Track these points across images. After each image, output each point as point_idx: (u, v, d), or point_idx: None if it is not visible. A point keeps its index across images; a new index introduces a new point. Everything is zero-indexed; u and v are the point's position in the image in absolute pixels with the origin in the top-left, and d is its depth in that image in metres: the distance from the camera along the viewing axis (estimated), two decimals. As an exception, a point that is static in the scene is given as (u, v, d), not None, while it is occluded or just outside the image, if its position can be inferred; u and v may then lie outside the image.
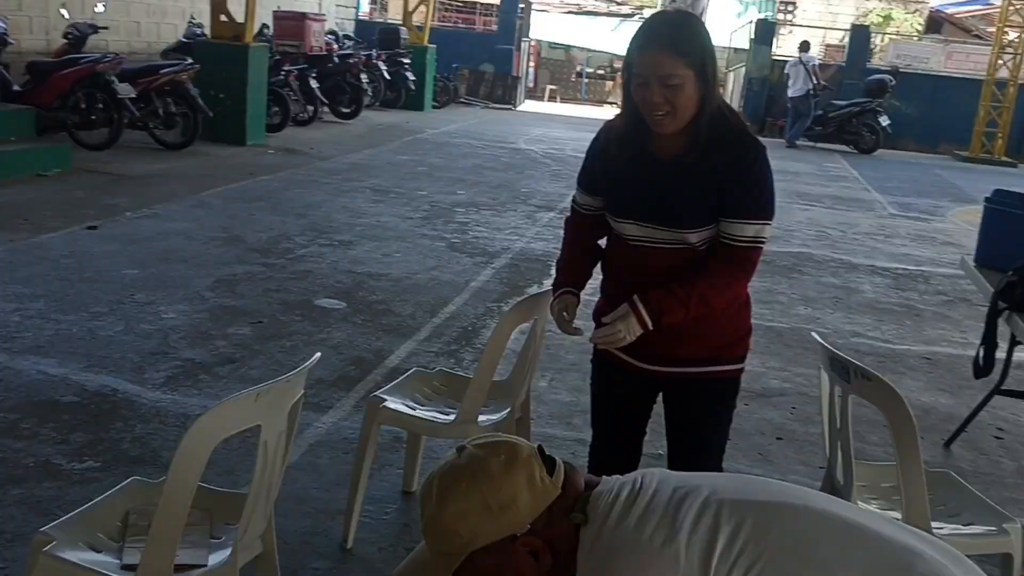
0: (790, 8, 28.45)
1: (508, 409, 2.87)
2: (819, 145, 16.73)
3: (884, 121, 16.41)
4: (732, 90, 20.48)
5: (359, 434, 2.92)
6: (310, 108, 12.89)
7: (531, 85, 23.79)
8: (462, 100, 19.61)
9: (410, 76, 16.58)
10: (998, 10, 28.78)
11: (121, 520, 2.12)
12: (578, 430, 3.89)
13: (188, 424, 3.61)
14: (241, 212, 7.57)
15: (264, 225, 7.17)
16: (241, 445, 3.40)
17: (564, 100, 25.64)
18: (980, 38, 25.36)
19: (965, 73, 18.76)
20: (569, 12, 26.42)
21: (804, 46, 16.88)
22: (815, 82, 16.10)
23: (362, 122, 14.10)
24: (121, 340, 4.53)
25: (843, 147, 16.70)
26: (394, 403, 2.88)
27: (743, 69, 19.55)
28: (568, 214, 2.56)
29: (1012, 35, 17.30)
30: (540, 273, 6.54)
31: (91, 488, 3.13)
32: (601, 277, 2.50)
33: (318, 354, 2.07)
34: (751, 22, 20.03)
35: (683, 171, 2.20)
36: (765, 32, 19.17)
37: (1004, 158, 17.24)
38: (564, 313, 2.39)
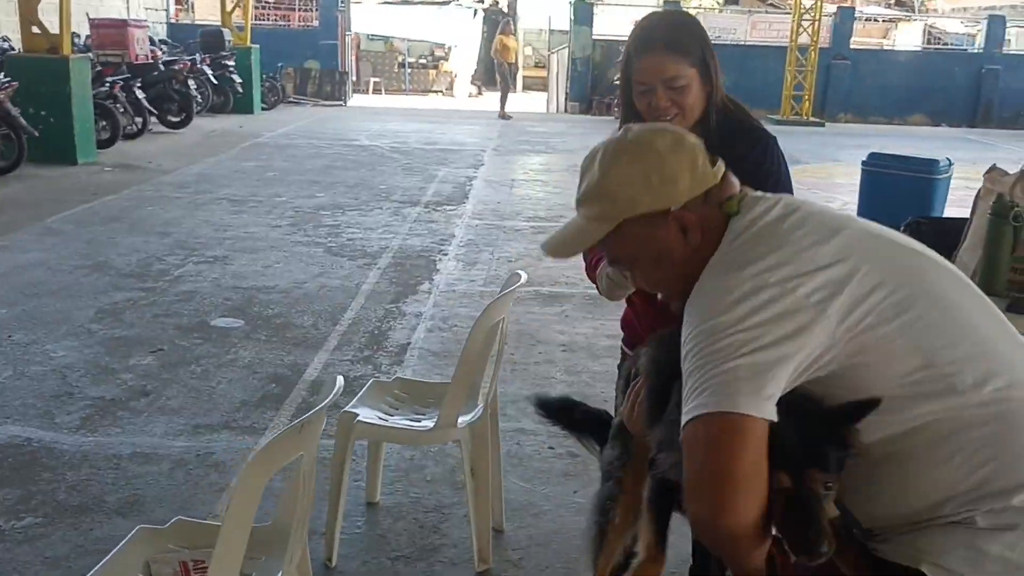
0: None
1: (481, 407, 2.93)
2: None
3: (704, 92, 17.27)
4: (556, 72, 20.98)
5: (334, 451, 2.89)
6: (139, 120, 12.25)
7: (354, 79, 23.47)
8: (291, 100, 19.14)
9: (236, 79, 16.02)
10: (786, -20, 30.78)
11: (144, 572, 2.04)
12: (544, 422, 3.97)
13: (123, 464, 3.55)
14: (98, 236, 7.15)
15: (128, 248, 6.82)
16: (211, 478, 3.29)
17: (389, 92, 25.44)
18: (775, 6, 27.06)
19: (770, 41, 20.00)
20: (385, 2, 26.19)
21: (631, 25, 17.54)
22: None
23: (194, 130, 13.54)
24: (15, 386, 4.23)
25: (669, 119, 17.45)
26: (366, 416, 2.88)
27: (566, 51, 20.07)
28: None
29: (808, 2, 18.56)
30: (427, 270, 6.57)
31: (40, 545, 2.96)
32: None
33: (340, 380, 2.04)
34: (570, 3, 20.54)
35: None
36: (584, 13, 19.72)
37: (812, 118, 18.56)
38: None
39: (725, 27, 19.99)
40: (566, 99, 19.80)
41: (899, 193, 4.01)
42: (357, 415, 2.86)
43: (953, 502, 1.31)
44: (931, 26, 28.90)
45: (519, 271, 3.02)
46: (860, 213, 4.24)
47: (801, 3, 18.41)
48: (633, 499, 1.70)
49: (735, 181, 1.53)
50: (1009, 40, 20.93)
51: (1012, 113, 19.85)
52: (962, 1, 35.55)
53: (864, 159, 4.19)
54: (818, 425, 1.30)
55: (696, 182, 1.47)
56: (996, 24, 20.17)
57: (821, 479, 1.29)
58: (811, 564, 1.30)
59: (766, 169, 2.16)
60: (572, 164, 11.86)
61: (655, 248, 1.49)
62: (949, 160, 4.01)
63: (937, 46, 23.24)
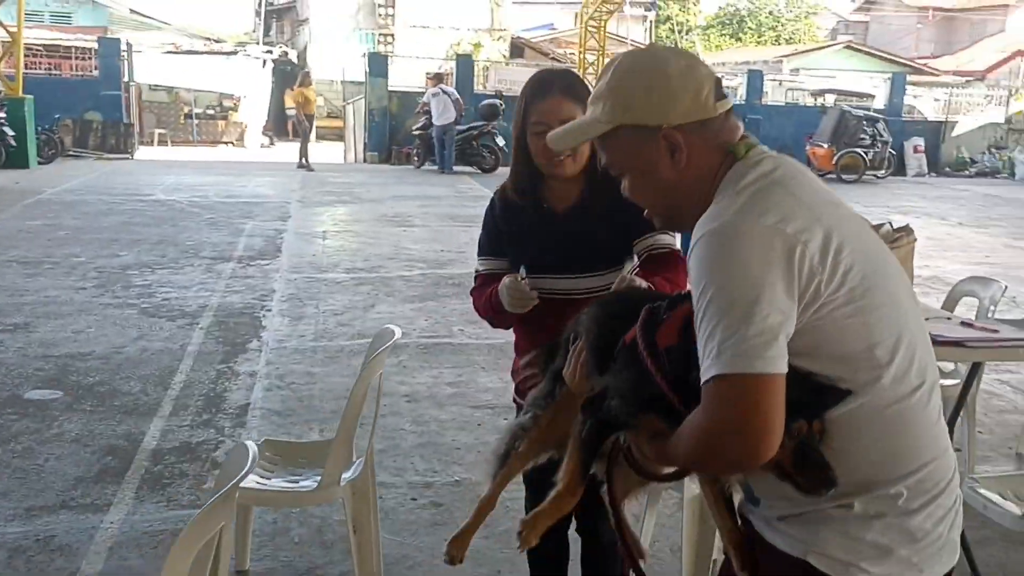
0: (389, 40, 29.71)
1: (360, 463, 2.93)
2: (443, 169, 17.76)
3: (500, 141, 17.84)
4: (353, 122, 21.00)
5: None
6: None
7: (138, 131, 22.42)
8: (71, 153, 17.99)
9: (9, 132, 14.95)
10: (563, 34, 32.47)
11: None
12: (412, 474, 3.98)
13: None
14: None
15: (-90, 320, 6.21)
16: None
17: (175, 144, 24.49)
18: (556, 60, 28.43)
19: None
20: (169, 52, 25.25)
21: (439, 78, 17.90)
22: (458, 110, 17.15)
23: (-35, 188, 12.49)
24: None
25: (467, 168, 17.89)
26: (245, 483, 2.80)
27: (362, 101, 20.14)
28: (473, 288, 2.55)
29: (592, 57, 19.70)
30: (252, 327, 6.40)
31: None
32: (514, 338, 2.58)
33: (253, 447, 2.00)
34: (364, 56, 20.67)
35: (587, 216, 2.33)
36: (378, 65, 19.90)
37: (601, 165, 19.58)
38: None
39: (515, 79, 20.78)
40: (364, 149, 19.84)
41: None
42: (234, 481, 2.78)
43: (848, 489, 1.45)
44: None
45: (391, 326, 3.06)
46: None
47: (585, 58, 19.49)
48: (542, 436, 1.83)
49: (739, 128, 1.59)
50: (766, 92, 23.06)
51: (774, 158, 21.75)
52: (720, 56, 38.82)
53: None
54: (807, 381, 1.42)
55: (695, 109, 1.53)
56: (755, 77, 22.17)
57: (819, 427, 1.42)
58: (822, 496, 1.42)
59: None
60: (381, 214, 11.97)
61: (642, 160, 1.57)
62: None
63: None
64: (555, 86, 2.28)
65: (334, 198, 13.67)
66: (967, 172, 22.33)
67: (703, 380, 1.38)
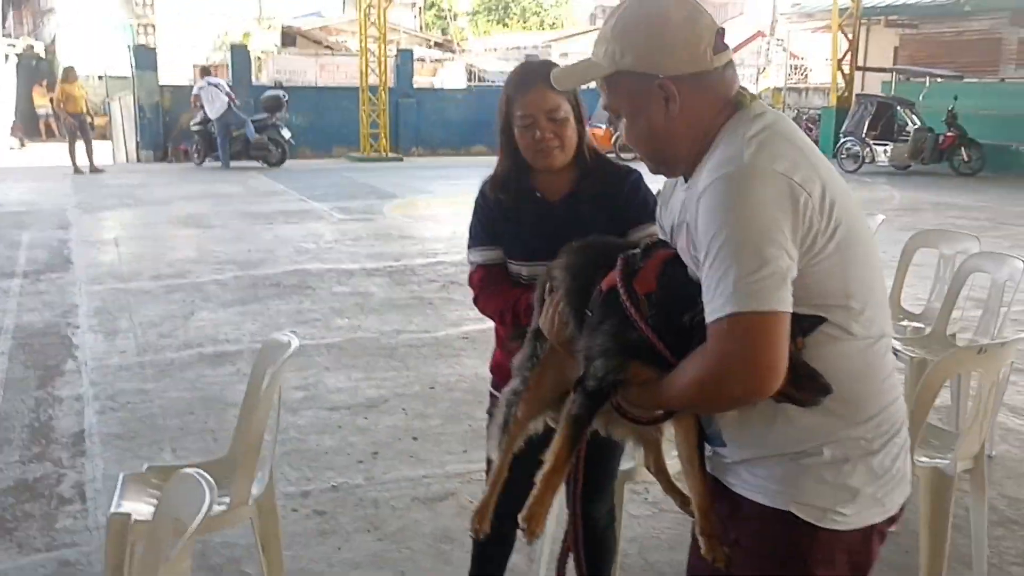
0: (150, 31, 27.96)
1: (266, 480, 2.79)
2: (232, 164, 17.02)
3: (286, 134, 17.33)
4: (121, 120, 19.64)
5: (106, 561, 2.57)
6: None
7: None
8: None
9: None
10: (335, 22, 31.88)
11: None
12: (286, 484, 3.78)
13: None
14: None
15: None
16: None
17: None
18: (331, 48, 27.91)
19: (341, 82, 20.61)
20: None
21: (206, 71, 17.04)
22: (232, 101, 16.39)
23: None
24: None
25: (254, 163, 17.22)
26: (141, 513, 2.60)
27: (129, 97, 18.87)
28: (477, 281, 2.48)
29: (372, 45, 19.47)
30: (63, 347, 5.88)
31: None
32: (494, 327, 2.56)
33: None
34: (129, 48, 19.34)
35: (583, 203, 2.34)
36: (146, 58, 18.71)
37: (391, 154, 19.47)
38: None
39: (296, 70, 20.25)
40: (137, 148, 18.63)
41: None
42: (130, 515, 2.58)
43: (817, 436, 1.57)
44: (471, 64, 31.81)
45: (280, 333, 2.93)
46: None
47: (367, 46, 19.23)
48: (535, 395, 1.86)
49: (737, 81, 1.65)
50: (544, 76, 23.77)
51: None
52: (491, 42, 39.60)
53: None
54: None
55: (691, 61, 1.57)
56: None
57: (800, 344, 1.51)
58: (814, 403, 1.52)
59: (642, 200, 2.38)
60: (174, 216, 11.32)
61: (637, 106, 1.61)
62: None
63: (479, 83, 25.65)
64: (538, 77, 2.26)
65: (116, 201, 12.75)
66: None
67: (712, 318, 1.45)
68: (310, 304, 7.05)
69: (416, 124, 21.08)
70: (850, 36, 20.23)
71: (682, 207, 1.67)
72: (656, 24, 1.58)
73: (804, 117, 24.09)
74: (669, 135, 1.62)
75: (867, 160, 17.48)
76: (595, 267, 1.76)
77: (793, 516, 1.59)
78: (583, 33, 37.96)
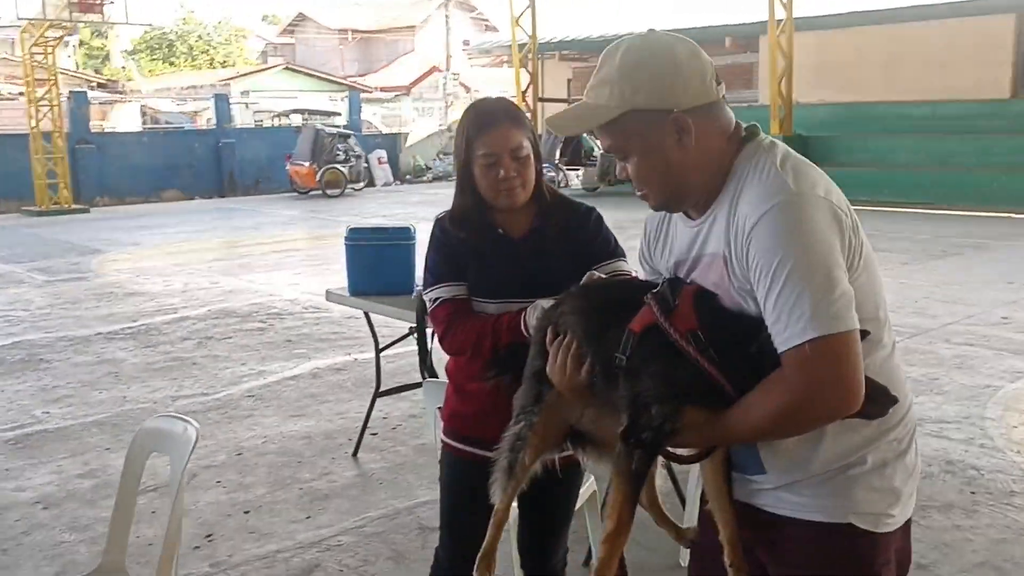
0: None
1: None
2: None
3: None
4: None
5: None
6: None
7: None
8: None
9: None
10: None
11: None
12: None
13: None
14: None
15: None
16: None
17: None
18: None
19: (6, 129, 18.46)
20: None
21: None
22: None
23: None
24: None
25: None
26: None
27: None
28: (444, 318, 2.34)
29: (41, 91, 17.66)
30: None
31: None
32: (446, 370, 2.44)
33: None
34: None
35: (547, 240, 2.30)
36: None
37: (75, 205, 17.73)
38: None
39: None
40: None
41: (385, 261, 4.39)
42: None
43: (860, 446, 1.65)
44: (146, 106, 29.91)
45: (165, 418, 2.58)
46: (353, 284, 4.49)
47: (34, 91, 17.40)
48: (541, 439, 1.82)
49: (732, 117, 1.68)
50: (234, 116, 22.91)
51: (252, 180, 21.80)
52: (162, 82, 37.47)
53: (346, 235, 4.45)
54: None
55: (702, 93, 1.60)
56: (221, 102, 21.89)
57: None
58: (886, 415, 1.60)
59: (604, 237, 2.38)
60: None
61: (650, 144, 1.60)
62: (413, 227, 4.52)
63: (154, 125, 24.19)
64: (500, 115, 2.25)
65: None
66: (426, 178, 24.67)
67: (790, 345, 1.47)
68: (52, 379, 6.24)
69: (98, 171, 19.43)
70: (530, 70, 21.57)
71: (699, 241, 1.69)
72: (667, 60, 1.61)
73: (494, 147, 25.31)
74: (684, 169, 1.63)
75: (562, 185, 18.73)
76: (608, 309, 1.75)
77: (852, 527, 1.65)
78: (260, 71, 37.11)
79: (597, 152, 18.82)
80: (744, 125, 1.69)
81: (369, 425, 4.84)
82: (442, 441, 2.50)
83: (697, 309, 1.63)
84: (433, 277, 2.37)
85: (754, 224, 1.54)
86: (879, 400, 1.59)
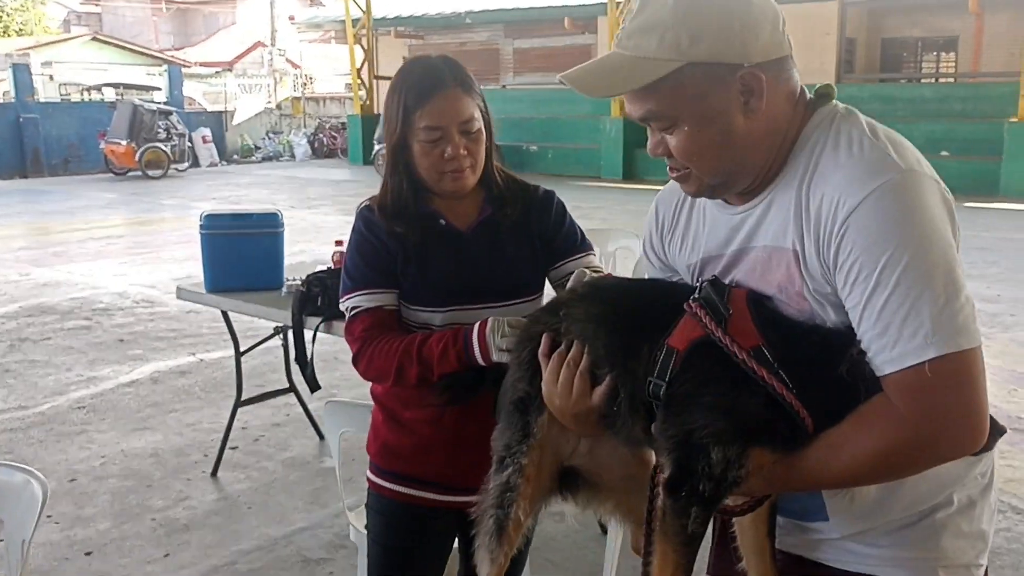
0: None
1: None
2: None
3: None
4: None
5: None
6: None
7: None
8: None
9: None
10: None
11: None
12: None
13: None
14: None
15: None
16: None
17: None
18: None
19: None
20: None
21: None
22: None
23: None
24: None
25: None
26: None
27: None
28: (361, 331, 1.86)
29: None
30: None
31: None
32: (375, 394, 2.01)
33: None
34: None
35: (501, 233, 1.89)
36: None
37: None
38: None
39: None
40: None
41: (248, 251, 3.81)
42: None
43: (946, 484, 1.35)
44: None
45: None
46: (213, 277, 3.86)
47: None
48: (536, 491, 1.44)
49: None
50: (37, 89, 20.89)
51: (60, 159, 19.98)
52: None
53: (202, 223, 3.82)
54: None
55: (774, 44, 1.26)
56: (21, 72, 19.88)
57: None
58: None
59: (570, 227, 1.99)
60: None
61: (710, 107, 1.25)
62: (280, 212, 3.96)
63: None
64: (448, 78, 1.78)
65: None
66: (254, 158, 23.44)
67: (904, 365, 1.15)
68: None
69: None
70: (365, 47, 20.83)
71: (745, 233, 1.35)
72: (741, 9, 1.24)
73: (327, 126, 24.40)
74: (749, 140, 1.27)
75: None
76: (633, 318, 1.37)
77: None
78: (64, 40, 34.27)
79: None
80: (814, 88, 1.33)
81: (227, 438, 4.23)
82: (370, 481, 2.02)
83: (756, 318, 1.26)
84: (352, 282, 1.90)
85: (852, 209, 1.18)
86: (990, 431, 1.27)
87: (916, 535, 1.34)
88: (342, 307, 1.92)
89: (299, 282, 3.49)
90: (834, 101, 1.33)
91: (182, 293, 3.95)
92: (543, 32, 21.64)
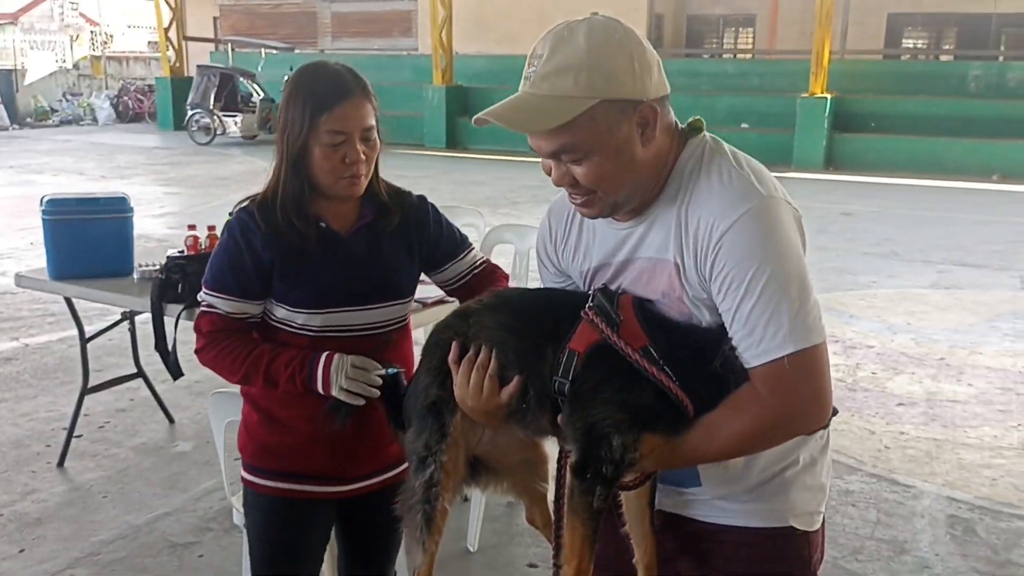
0: None
1: None
2: None
3: None
4: None
5: None
6: None
7: None
8: None
9: None
10: None
11: None
12: None
13: None
14: None
15: None
16: None
17: None
18: None
19: None
20: None
21: None
22: None
23: None
24: None
25: None
26: None
27: None
28: (209, 326, 1.93)
29: None
30: None
31: None
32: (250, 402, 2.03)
33: None
34: None
35: (381, 237, 1.98)
36: None
37: None
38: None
39: None
40: None
41: (97, 237, 3.70)
42: None
43: (794, 448, 1.59)
44: None
45: None
46: (57, 264, 3.72)
47: None
48: (454, 480, 1.61)
49: None
50: None
51: None
52: None
53: (44, 207, 3.65)
54: None
55: (661, 82, 1.46)
56: None
57: None
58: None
59: (448, 228, 2.12)
60: None
61: (619, 138, 1.42)
62: (127, 196, 3.87)
63: None
64: (353, 86, 1.85)
65: None
66: (51, 121, 21.89)
67: (766, 360, 1.38)
68: None
69: None
70: (172, 5, 19.83)
71: (631, 245, 1.55)
72: (636, 44, 1.43)
73: (132, 88, 23.10)
74: (644, 167, 1.47)
75: (219, 132, 17.51)
76: (537, 324, 1.55)
77: (792, 529, 1.62)
78: None
79: (256, 98, 17.78)
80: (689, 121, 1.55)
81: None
82: (246, 481, 2.07)
83: (642, 322, 1.48)
84: (216, 283, 1.93)
85: (725, 231, 1.41)
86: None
87: (770, 490, 1.60)
88: (200, 295, 1.97)
89: (155, 267, 3.46)
90: (703, 133, 1.54)
91: (23, 281, 3.80)
92: (362, -4, 21.35)
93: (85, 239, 3.69)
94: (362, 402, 1.87)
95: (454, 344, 1.59)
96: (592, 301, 1.51)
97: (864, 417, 4.63)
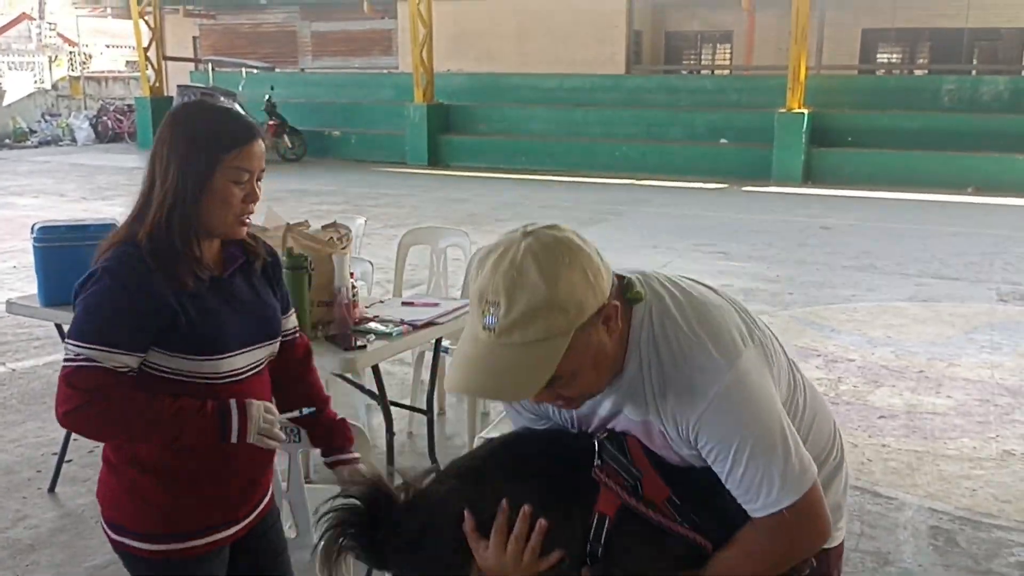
0: None
1: None
2: None
3: None
4: None
5: None
6: None
7: None
8: None
9: None
10: None
11: None
12: None
13: None
14: None
15: None
16: None
17: None
18: None
19: None
20: None
21: None
22: None
23: None
24: None
25: None
26: None
27: None
28: (95, 383, 1.74)
29: None
30: None
31: None
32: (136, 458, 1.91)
33: None
34: None
35: (254, 278, 2.01)
36: None
37: None
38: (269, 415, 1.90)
39: None
40: None
41: (86, 263, 3.71)
42: None
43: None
44: None
45: None
46: (48, 291, 3.76)
47: None
48: None
49: None
50: None
51: None
52: None
53: (35, 236, 3.69)
54: None
55: (607, 269, 1.45)
56: None
57: None
58: None
59: (285, 284, 2.16)
60: None
61: (594, 347, 1.43)
62: (116, 221, 3.90)
63: None
64: (254, 128, 1.89)
65: None
66: (30, 142, 21.79)
67: (766, 513, 1.47)
68: None
69: None
70: (151, 24, 19.82)
71: (610, 404, 1.57)
72: (581, 256, 1.41)
73: (111, 108, 23.05)
74: (613, 353, 1.48)
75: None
76: (559, 482, 1.53)
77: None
78: None
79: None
80: (632, 284, 1.53)
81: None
82: (129, 548, 1.91)
83: (658, 469, 1.54)
84: (100, 335, 1.73)
85: (698, 419, 1.47)
86: None
87: None
88: (68, 350, 1.74)
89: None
90: (643, 294, 1.50)
91: (13, 308, 3.83)
92: (341, 16, 21.42)
93: (75, 265, 3.66)
94: (276, 447, 1.92)
95: (467, 516, 1.50)
96: (603, 454, 1.53)
97: (847, 430, 4.70)
